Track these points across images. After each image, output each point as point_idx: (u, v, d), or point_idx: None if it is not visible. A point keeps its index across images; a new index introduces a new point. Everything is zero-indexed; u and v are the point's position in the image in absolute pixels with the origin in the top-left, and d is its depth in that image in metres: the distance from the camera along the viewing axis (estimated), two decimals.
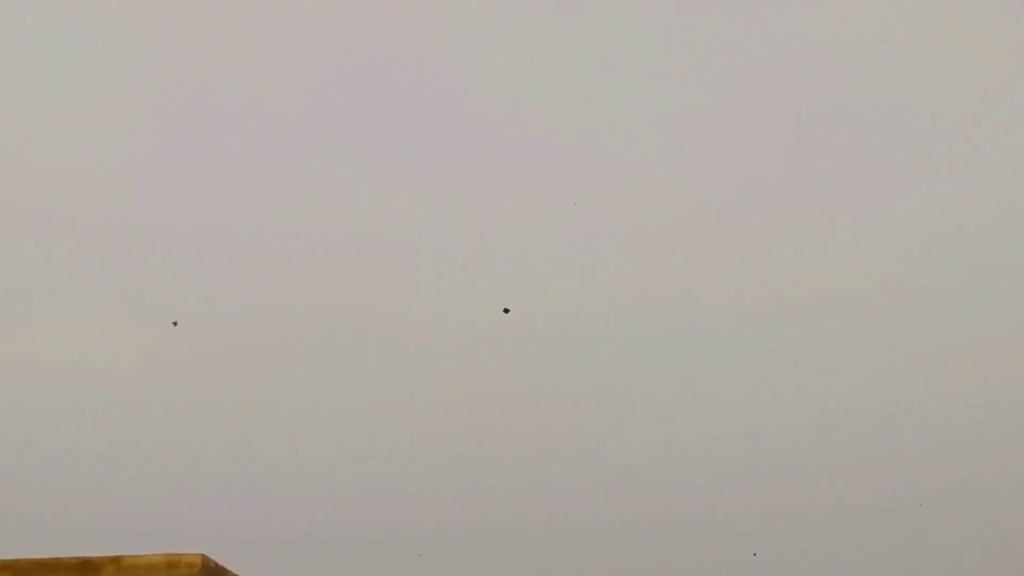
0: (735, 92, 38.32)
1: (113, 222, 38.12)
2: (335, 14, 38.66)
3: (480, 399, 36.24)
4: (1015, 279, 36.27)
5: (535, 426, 36.06)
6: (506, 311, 31.65)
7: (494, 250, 37.42)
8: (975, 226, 37.10)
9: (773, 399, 35.92)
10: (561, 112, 38.89)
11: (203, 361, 37.66)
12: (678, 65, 38.01)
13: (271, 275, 37.79)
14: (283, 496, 35.98)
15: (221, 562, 13.90)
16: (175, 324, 30.18)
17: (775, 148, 38.21)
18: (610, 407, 36.10)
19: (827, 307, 37.00)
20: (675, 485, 35.14)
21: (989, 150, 37.48)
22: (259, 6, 38.60)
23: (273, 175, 38.57)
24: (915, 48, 37.94)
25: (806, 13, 38.28)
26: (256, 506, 35.51)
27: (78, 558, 13.53)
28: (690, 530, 34.32)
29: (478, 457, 35.84)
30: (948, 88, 37.81)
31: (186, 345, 37.65)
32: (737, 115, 38.25)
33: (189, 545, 13.69)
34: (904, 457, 34.96)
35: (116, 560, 13.50)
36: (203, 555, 13.48)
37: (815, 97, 38.10)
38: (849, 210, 37.73)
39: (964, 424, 35.03)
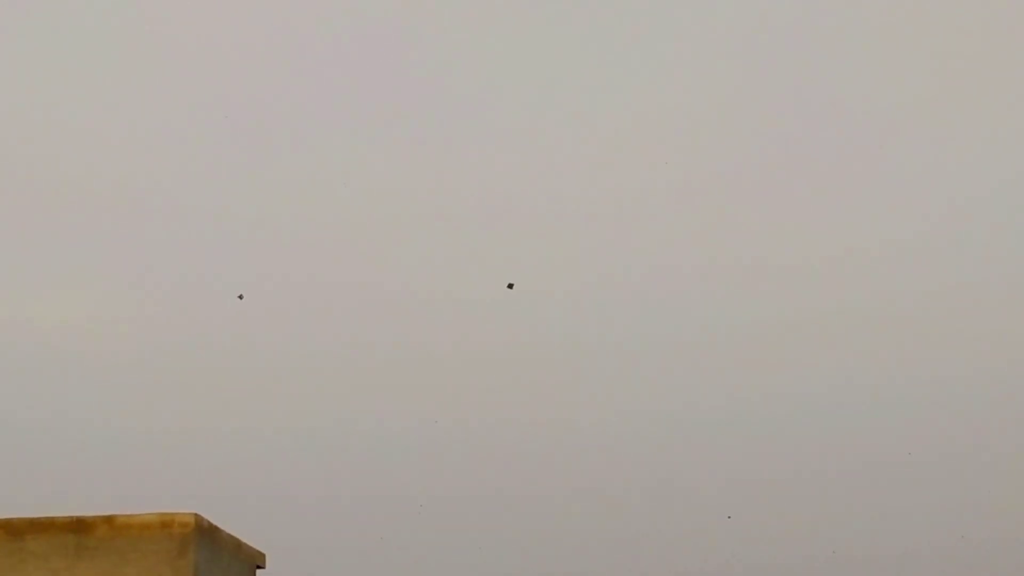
0: (735, 58, 38.23)
1: (108, 187, 38.07)
2: None
3: (482, 366, 36.34)
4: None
5: (523, 396, 36.17)
6: (510, 286, 31.55)
7: (500, 218, 37.46)
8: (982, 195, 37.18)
9: (751, 371, 36.07)
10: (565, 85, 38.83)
11: (199, 327, 37.67)
12: (680, 34, 37.92)
13: (271, 245, 37.80)
14: (275, 457, 36.03)
15: (215, 522, 13.94)
16: (240, 297, 30.00)
17: (773, 116, 38.17)
18: (589, 374, 36.23)
19: (809, 278, 37.09)
20: (652, 452, 35.30)
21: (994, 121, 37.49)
22: None
23: (275, 147, 38.51)
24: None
25: None
26: (249, 467, 35.57)
27: (71, 518, 13.54)
28: (667, 496, 34.59)
29: (470, 428, 35.92)
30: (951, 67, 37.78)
31: (183, 311, 37.65)
32: (737, 80, 38.19)
33: (182, 506, 13.71)
34: (876, 425, 35.17)
35: (109, 520, 13.51)
36: (196, 514, 13.50)
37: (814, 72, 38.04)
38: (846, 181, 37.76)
39: (938, 396, 35.23)
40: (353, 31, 38.43)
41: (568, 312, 36.54)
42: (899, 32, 37.51)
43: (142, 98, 38.06)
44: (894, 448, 34.59)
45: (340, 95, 38.63)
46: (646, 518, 34.32)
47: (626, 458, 35.08)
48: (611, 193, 37.44)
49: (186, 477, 33.89)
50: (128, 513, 13.54)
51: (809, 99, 37.89)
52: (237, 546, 14.54)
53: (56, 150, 37.73)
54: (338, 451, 36.13)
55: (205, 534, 13.65)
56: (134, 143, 37.97)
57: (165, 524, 13.44)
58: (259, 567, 15.21)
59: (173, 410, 36.40)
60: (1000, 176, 37.11)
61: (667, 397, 35.50)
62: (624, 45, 38.34)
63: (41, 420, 35.65)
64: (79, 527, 13.49)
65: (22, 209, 37.50)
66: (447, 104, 38.30)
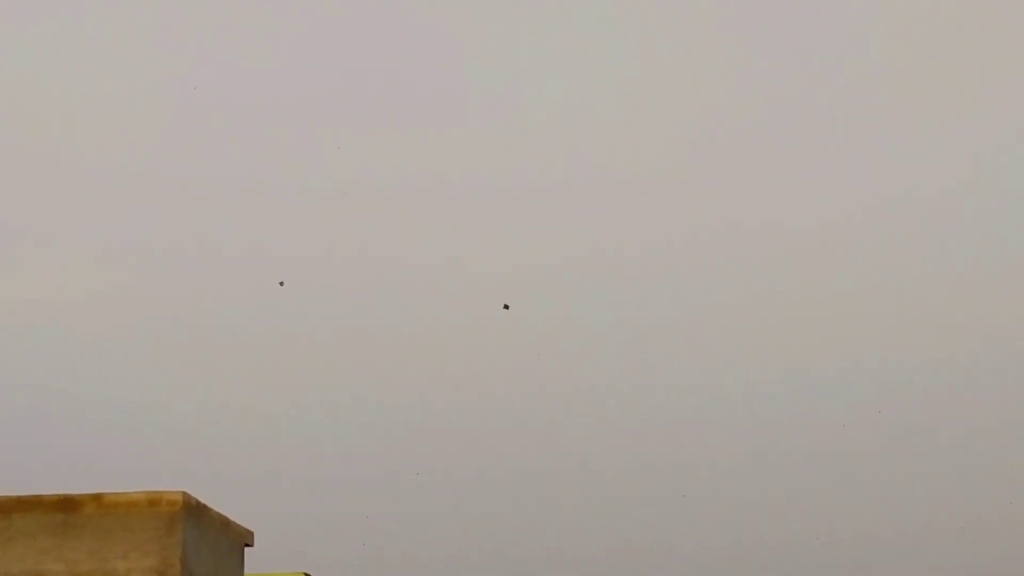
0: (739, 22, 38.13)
1: (89, 163, 37.99)
2: None
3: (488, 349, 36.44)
4: None
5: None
6: (506, 307, 31.50)
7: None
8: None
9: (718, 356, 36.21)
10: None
11: (179, 303, 37.63)
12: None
13: (255, 219, 37.74)
14: (263, 436, 36.03)
15: (202, 500, 13.93)
16: (281, 284, 29.93)
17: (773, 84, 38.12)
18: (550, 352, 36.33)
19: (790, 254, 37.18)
20: (615, 432, 35.47)
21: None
22: None
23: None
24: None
25: None
26: (236, 446, 35.56)
27: (59, 495, 13.53)
28: (624, 473, 34.82)
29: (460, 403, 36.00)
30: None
31: (163, 287, 37.60)
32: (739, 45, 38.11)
33: (171, 485, 13.70)
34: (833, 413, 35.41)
35: (97, 498, 13.50)
36: (184, 493, 13.49)
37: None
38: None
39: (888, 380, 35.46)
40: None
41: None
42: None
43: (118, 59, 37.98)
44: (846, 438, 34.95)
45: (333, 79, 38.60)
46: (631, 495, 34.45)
47: (585, 440, 35.18)
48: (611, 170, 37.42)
49: (175, 456, 33.89)
50: (116, 491, 13.53)
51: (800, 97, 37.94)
52: (225, 524, 14.54)
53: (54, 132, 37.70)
54: (326, 430, 36.15)
55: (193, 512, 13.64)
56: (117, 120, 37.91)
57: (153, 502, 13.44)
58: (247, 545, 15.21)
59: (161, 389, 36.38)
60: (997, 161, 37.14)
61: (663, 377, 35.64)
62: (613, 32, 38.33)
63: (30, 399, 35.64)
64: (67, 505, 13.48)
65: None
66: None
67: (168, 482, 14.11)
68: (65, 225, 37.82)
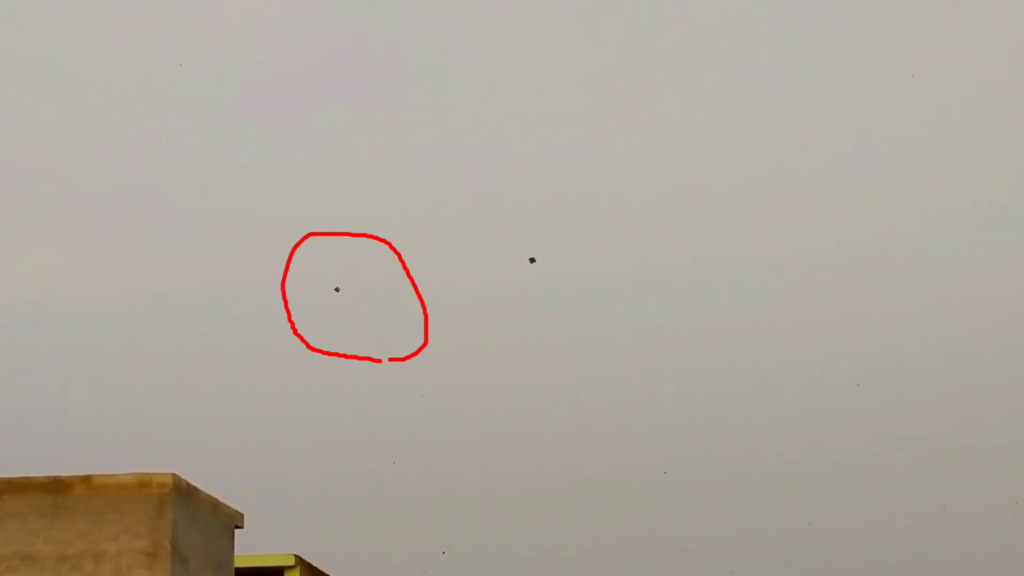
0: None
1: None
2: None
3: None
4: None
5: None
6: (532, 260, 31.27)
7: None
8: None
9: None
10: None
11: (167, 281, 37.62)
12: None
13: (252, 194, 37.73)
14: (253, 420, 36.05)
15: (193, 482, 13.93)
16: (337, 290, 29.81)
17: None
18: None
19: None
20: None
21: None
22: None
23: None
24: None
25: None
26: (229, 428, 35.57)
27: (49, 477, 13.52)
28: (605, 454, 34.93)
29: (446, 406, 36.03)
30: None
31: (158, 269, 37.58)
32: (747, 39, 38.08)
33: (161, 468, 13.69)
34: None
35: (87, 479, 13.49)
36: (174, 475, 13.49)
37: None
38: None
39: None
40: None
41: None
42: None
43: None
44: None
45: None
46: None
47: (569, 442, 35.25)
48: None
49: (165, 438, 33.88)
50: (106, 473, 13.52)
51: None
52: (215, 506, 14.53)
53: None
54: (316, 409, 36.15)
55: (183, 494, 13.64)
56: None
57: (143, 484, 13.43)
58: (237, 526, 15.21)
59: (149, 371, 36.36)
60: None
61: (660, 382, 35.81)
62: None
63: (21, 381, 35.61)
64: (57, 487, 13.47)
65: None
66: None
67: (158, 464, 14.12)
68: (57, 209, 37.83)
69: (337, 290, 30.04)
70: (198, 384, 36.12)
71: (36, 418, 34.71)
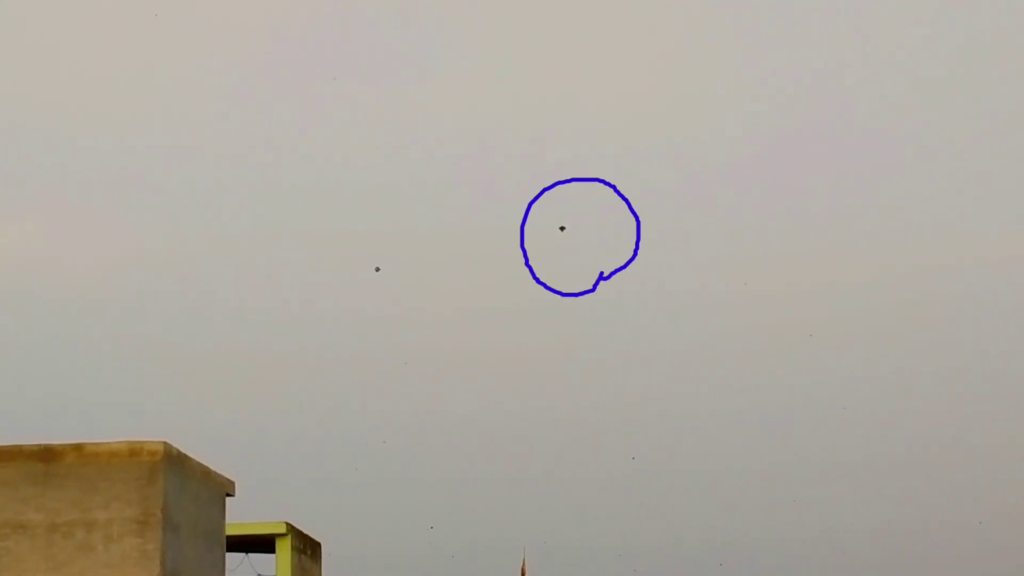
0: None
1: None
2: None
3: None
4: None
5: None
6: (377, 269, 31.12)
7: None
8: None
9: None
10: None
11: (169, 255, 37.59)
12: None
13: (250, 193, 37.73)
14: (246, 384, 36.05)
15: (183, 450, 13.92)
16: (377, 269, 29.78)
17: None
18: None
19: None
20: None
21: None
22: None
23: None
24: None
25: None
26: (219, 395, 35.56)
27: (39, 445, 13.49)
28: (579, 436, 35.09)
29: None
30: None
31: (158, 238, 37.56)
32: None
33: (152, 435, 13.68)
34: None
35: (78, 447, 13.47)
36: (165, 442, 13.47)
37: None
38: None
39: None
40: None
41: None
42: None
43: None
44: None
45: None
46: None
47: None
48: None
49: (157, 405, 33.87)
50: (97, 441, 13.50)
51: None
52: (206, 474, 14.53)
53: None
54: (309, 381, 36.16)
55: (174, 462, 13.63)
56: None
57: (134, 452, 13.42)
58: (228, 495, 15.21)
59: (141, 338, 36.33)
60: None
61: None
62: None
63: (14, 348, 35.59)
64: (48, 455, 13.44)
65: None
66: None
67: (149, 431, 14.10)
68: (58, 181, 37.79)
69: (378, 270, 30.11)
70: (191, 358, 36.18)
71: (28, 386, 34.75)
